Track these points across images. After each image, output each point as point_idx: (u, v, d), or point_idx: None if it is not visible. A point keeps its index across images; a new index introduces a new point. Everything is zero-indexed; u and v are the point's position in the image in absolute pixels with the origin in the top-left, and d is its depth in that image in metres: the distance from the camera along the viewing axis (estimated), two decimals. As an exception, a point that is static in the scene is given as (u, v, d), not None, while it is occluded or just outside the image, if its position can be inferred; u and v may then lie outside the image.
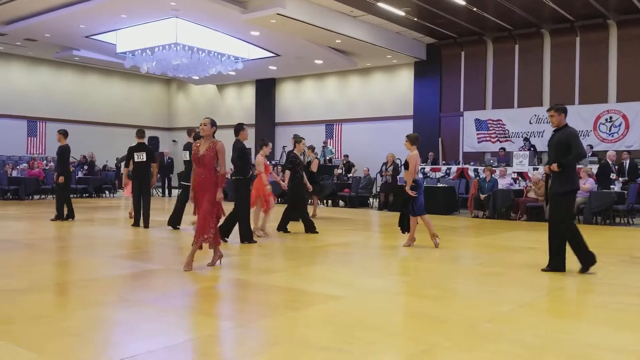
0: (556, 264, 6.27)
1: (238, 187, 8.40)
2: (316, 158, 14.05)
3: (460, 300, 5.16)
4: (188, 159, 9.50)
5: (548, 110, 6.54)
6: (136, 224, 10.50)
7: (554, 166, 6.16)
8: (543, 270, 6.33)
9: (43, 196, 18.80)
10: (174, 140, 28.17)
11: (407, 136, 8.41)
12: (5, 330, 3.83)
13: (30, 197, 18.37)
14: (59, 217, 11.36)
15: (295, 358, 3.40)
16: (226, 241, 8.33)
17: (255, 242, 8.51)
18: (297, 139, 10.28)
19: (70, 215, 11.49)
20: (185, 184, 9.72)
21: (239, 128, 8.53)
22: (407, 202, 8.16)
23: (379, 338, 3.85)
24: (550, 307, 4.91)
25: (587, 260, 6.24)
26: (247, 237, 8.44)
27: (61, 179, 11.28)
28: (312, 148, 14.49)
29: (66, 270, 6.40)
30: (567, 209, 6.29)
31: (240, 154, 8.39)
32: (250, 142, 25.53)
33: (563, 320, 4.46)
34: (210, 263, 6.38)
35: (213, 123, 6.32)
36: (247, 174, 8.50)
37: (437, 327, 4.11)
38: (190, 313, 4.59)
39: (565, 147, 6.20)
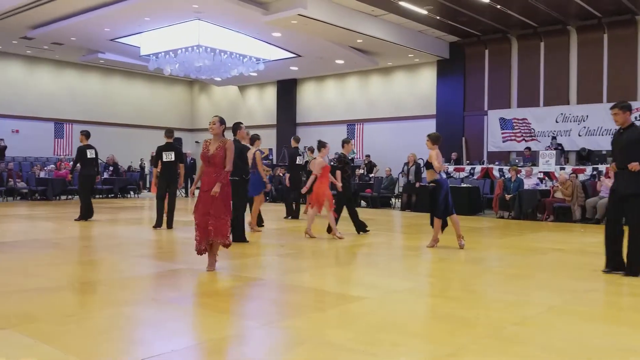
0: (634, 269, 6.02)
1: (236, 187, 8.11)
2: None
3: (487, 302, 5.08)
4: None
5: (611, 109, 6.22)
6: (158, 225, 10.26)
7: (635, 165, 5.81)
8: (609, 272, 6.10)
9: (70, 197, 19.08)
10: (197, 142, 28.38)
11: (429, 135, 8.33)
12: (33, 328, 3.87)
13: (58, 197, 18.66)
14: (82, 217, 11.52)
15: (320, 359, 3.36)
16: (247, 241, 8.34)
17: (247, 241, 8.40)
18: (347, 140, 10.07)
19: (89, 215, 11.57)
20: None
21: (236, 127, 8.41)
22: (434, 202, 8.07)
23: (404, 340, 3.80)
24: (580, 310, 4.80)
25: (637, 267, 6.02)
26: (239, 237, 8.30)
27: (69, 177, 11.67)
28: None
29: (92, 270, 6.47)
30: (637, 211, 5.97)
31: (239, 154, 8.17)
32: (271, 143, 25.74)
33: (593, 324, 4.35)
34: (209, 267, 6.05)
35: (222, 121, 6.18)
36: (246, 174, 8.40)
37: (464, 330, 4.04)
38: (215, 312, 4.59)
39: (636, 145, 5.96)
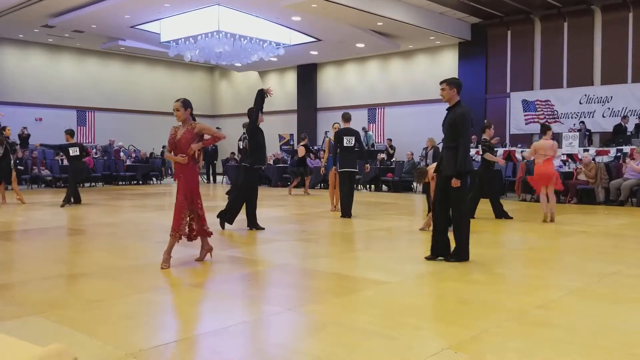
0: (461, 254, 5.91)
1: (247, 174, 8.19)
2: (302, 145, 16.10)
3: (509, 285, 5.06)
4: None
5: (440, 83, 5.91)
6: None
7: (455, 182, 5.65)
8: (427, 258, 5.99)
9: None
10: (217, 128, 28.50)
11: None
12: (61, 314, 3.95)
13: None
14: (76, 200, 12.35)
15: (342, 343, 3.39)
16: (263, 228, 8.33)
17: (263, 228, 8.30)
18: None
19: (76, 200, 12.35)
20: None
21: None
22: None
23: (425, 324, 3.81)
24: (603, 293, 4.75)
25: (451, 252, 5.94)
26: (223, 222, 8.29)
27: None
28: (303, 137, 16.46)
29: (116, 256, 6.56)
30: (457, 191, 5.77)
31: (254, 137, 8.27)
32: (292, 129, 25.72)
33: (616, 307, 4.31)
34: (198, 258, 5.93)
35: (185, 104, 5.61)
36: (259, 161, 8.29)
37: (486, 313, 4.03)
38: (238, 297, 4.64)
39: (452, 128, 5.69)
